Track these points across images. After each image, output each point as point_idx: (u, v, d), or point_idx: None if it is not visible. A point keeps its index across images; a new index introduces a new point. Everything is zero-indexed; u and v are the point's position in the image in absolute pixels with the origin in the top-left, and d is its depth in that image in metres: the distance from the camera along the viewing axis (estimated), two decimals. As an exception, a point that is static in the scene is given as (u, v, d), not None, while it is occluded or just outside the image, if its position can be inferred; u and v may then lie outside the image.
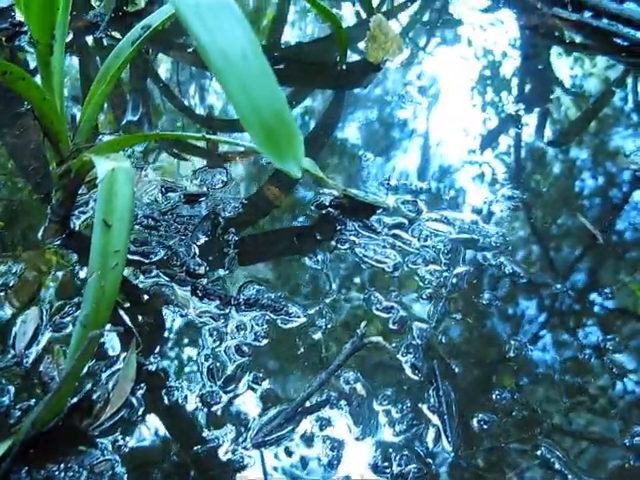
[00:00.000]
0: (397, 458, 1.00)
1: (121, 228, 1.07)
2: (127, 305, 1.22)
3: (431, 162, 1.58)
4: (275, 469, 1.00)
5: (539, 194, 1.47)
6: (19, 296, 1.24)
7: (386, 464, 1.00)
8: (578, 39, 2.08)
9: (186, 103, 1.84)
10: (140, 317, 1.21)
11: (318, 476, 0.99)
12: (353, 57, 1.96)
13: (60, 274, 1.28)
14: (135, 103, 1.81)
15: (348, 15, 2.26)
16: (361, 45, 1.97)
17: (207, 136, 1.28)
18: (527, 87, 1.92)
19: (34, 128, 1.58)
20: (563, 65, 1.99)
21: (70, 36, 2.02)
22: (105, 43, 2.05)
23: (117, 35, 2.06)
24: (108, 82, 1.29)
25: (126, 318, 1.20)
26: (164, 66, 2.02)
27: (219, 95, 1.86)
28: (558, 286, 1.26)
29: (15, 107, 1.68)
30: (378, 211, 1.41)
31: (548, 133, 1.71)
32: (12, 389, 1.09)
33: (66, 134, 1.27)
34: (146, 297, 1.24)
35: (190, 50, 2.00)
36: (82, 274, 1.27)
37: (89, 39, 2.06)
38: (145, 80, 1.92)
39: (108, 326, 1.11)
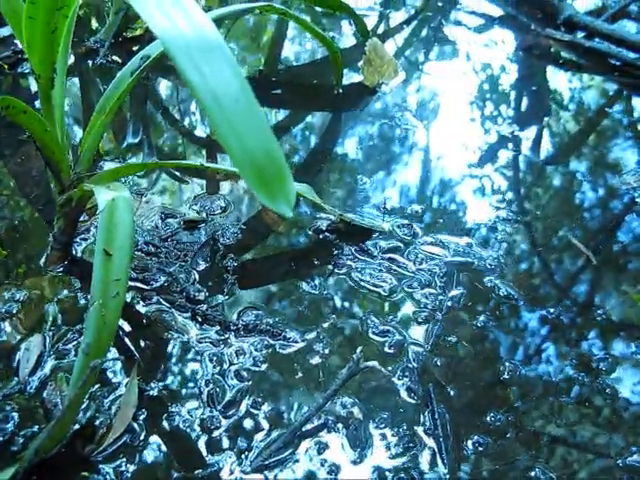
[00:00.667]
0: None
1: (121, 257, 1.09)
2: (128, 331, 1.24)
3: (426, 185, 1.60)
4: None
5: (534, 216, 1.50)
6: (22, 323, 1.26)
7: (383, 487, 1.02)
8: (572, 59, 2.10)
9: (187, 126, 1.87)
10: (141, 343, 1.23)
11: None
12: (352, 78, 1.98)
13: (63, 301, 1.30)
14: (135, 127, 1.84)
15: (346, 34, 2.28)
16: (358, 66, 1.99)
17: (206, 164, 1.31)
18: (522, 107, 1.95)
19: (36, 156, 1.60)
20: (558, 84, 2.02)
21: (71, 59, 2.04)
22: (106, 67, 2.07)
23: (117, 59, 2.09)
24: (108, 112, 1.31)
25: (128, 343, 1.22)
26: (164, 90, 2.04)
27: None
28: (551, 310, 1.28)
29: (18, 134, 1.70)
30: (374, 235, 1.43)
31: (543, 152, 1.73)
32: (15, 416, 1.11)
33: (67, 163, 1.30)
34: (147, 323, 1.26)
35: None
36: (84, 301, 1.29)
37: (89, 64, 2.09)
38: (145, 104, 1.95)
39: (110, 354, 1.14)
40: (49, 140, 1.24)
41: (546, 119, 1.87)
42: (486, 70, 2.09)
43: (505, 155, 1.71)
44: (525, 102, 1.98)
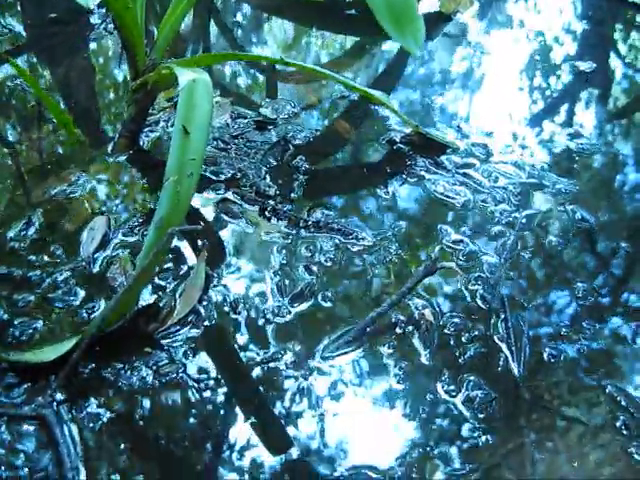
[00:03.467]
0: (464, 383, 0.99)
1: (199, 137, 1.07)
2: (197, 217, 1.21)
3: (501, 110, 1.56)
4: (343, 388, 0.98)
5: (610, 146, 1.45)
6: (87, 206, 1.24)
7: (453, 388, 0.98)
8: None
9: (250, 48, 1.83)
10: (209, 232, 1.20)
11: (384, 398, 0.98)
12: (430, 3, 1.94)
13: (127, 187, 1.27)
14: (197, 40, 1.81)
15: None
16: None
17: (285, 59, 1.27)
18: (594, 46, 1.89)
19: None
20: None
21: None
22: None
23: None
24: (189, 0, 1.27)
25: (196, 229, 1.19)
26: (229, 6, 2.01)
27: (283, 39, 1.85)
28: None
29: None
30: (448, 150, 1.39)
31: (612, 94, 1.68)
32: (80, 291, 1.09)
33: (144, 48, 1.27)
34: (215, 213, 1.23)
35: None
36: (147, 189, 1.27)
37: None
38: (210, 19, 1.91)
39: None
40: (130, 19, 1.21)
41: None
42: (563, 6, 2.03)
43: (580, 90, 1.66)
44: (598, 40, 1.92)
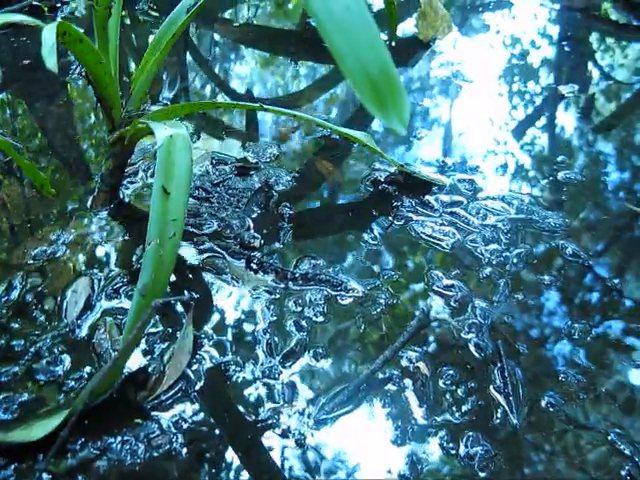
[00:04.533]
0: (464, 439, 0.96)
1: (179, 196, 1.04)
2: (181, 276, 1.19)
3: (485, 141, 1.54)
4: (338, 447, 0.96)
5: (595, 177, 1.43)
6: (68, 266, 1.21)
7: (452, 445, 0.96)
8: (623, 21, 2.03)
9: (229, 83, 1.81)
10: (194, 289, 1.17)
11: (383, 456, 0.95)
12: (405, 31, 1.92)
13: (109, 244, 1.25)
14: (174, 78, 1.78)
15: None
16: (411, 21, 1.93)
17: (265, 106, 1.24)
18: (575, 68, 1.88)
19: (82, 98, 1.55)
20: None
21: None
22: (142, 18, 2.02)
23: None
24: (163, 49, 1.26)
25: (180, 288, 1.17)
26: (205, 41, 1.98)
27: (260, 71, 1.83)
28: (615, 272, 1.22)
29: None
30: (434, 189, 1.37)
31: (595, 116, 1.66)
32: (65, 358, 1.06)
33: (119, 100, 1.25)
34: (199, 269, 1.20)
35: (236, 25, 1.96)
36: (130, 245, 1.24)
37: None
38: (185, 55, 1.89)
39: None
40: (102, 73, 1.18)
41: (596, 80, 1.80)
42: (542, 29, 2.02)
43: (564, 115, 1.64)
44: (574, 62, 1.91)
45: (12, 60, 1.83)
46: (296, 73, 1.83)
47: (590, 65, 1.89)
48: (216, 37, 2.01)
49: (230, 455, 0.95)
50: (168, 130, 1.10)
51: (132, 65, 1.84)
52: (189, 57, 1.92)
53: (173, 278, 1.19)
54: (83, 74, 1.15)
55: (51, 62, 0.87)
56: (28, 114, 1.64)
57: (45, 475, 0.91)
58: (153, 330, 1.10)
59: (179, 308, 1.14)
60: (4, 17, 1.01)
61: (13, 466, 0.92)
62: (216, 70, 1.87)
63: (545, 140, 1.57)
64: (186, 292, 1.17)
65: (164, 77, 1.78)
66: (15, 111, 1.66)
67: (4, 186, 1.38)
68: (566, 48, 1.96)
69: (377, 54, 0.74)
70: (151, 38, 1.69)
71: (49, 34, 0.92)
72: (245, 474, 0.93)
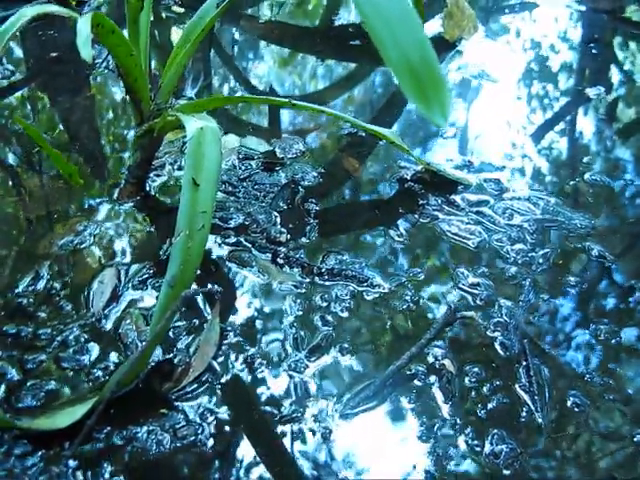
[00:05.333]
0: (489, 437, 0.96)
1: (209, 188, 1.04)
2: (207, 268, 1.19)
3: (510, 142, 1.54)
4: (363, 443, 0.96)
5: (621, 179, 1.43)
6: (95, 256, 1.21)
7: (477, 442, 0.96)
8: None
9: (253, 79, 1.81)
10: (219, 282, 1.17)
11: (407, 452, 0.95)
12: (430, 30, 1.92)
13: (135, 235, 1.25)
14: (197, 74, 1.79)
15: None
16: (437, 21, 1.92)
17: (294, 102, 1.24)
18: (600, 70, 1.87)
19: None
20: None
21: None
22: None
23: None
24: (192, 43, 1.25)
25: (207, 281, 1.17)
26: (228, 37, 1.99)
27: (284, 69, 1.83)
28: None
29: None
30: (460, 188, 1.37)
31: (621, 118, 1.66)
32: (91, 349, 1.06)
33: (148, 93, 1.25)
34: (226, 262, 1.20)
35: (261, 22, 1.96)
36: (156, 237, 1.26)
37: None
38: (210, 51, 1.90)
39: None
40: (133, 65, 1.18)
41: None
42: (567, 30, 2.02)
43: (589, 117, 1.64)
44: (604, 63, 1.90)
45: (40, 53, 1.84)
46: (322, 71, 1.83)
47: (616, 68, 1.88)
48: (240, 34, 2.01)
49: (254, 448, 0.95)
50: (198, 122, 1.10)
51: (155, 61, 1.84)
52: (212, 53, 1.91)
53: (198, 271, 1.19)
54: (111, 67, 1.16)
55: (86, 52, 0.88)
56: (55, 106, 1.64)
57: (71, 462, 0.91)
58: (178, 323, 1.10)
59: (203, 301, 1.14)
60: (40, 8, 1.02)
61: (40, 452, 0.92)
62: (240, 66, 1.87)
63: (571, 142, 1.56)
64: (211, 285, 1.17)
65: (186, 73, 1.78)
66: (42, 103, 1.66)
67: (31, 176, 1.39)
68: (593, 50, 1.95)
69: (419, 43, 0.74)
70: (174, 34, 1.70)
71: (84, 25, 0.93)
72: (268, 467, 0.93)
